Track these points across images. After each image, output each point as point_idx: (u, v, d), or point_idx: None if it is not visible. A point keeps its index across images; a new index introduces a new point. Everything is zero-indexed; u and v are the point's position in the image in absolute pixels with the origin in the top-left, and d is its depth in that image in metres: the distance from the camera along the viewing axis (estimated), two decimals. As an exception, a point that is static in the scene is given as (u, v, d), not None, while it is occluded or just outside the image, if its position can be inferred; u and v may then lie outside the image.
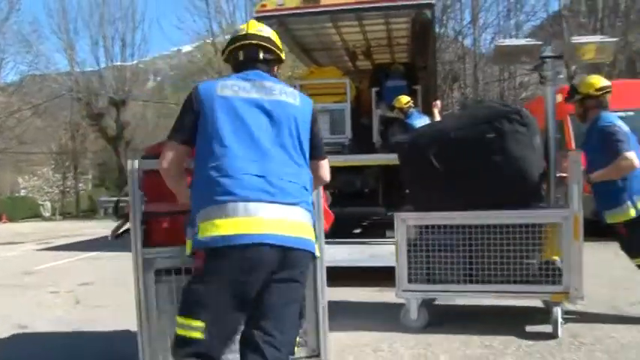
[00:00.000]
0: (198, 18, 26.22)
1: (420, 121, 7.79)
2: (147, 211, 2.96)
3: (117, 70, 27.01)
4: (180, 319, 2.29)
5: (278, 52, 2.67)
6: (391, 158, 7.87)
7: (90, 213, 32.01)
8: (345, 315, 4.66)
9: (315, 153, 2.60)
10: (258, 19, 9.23)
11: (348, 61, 11.80)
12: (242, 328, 2.35)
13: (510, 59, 8.03)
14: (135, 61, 27.65)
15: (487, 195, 4.34)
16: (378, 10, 9.04)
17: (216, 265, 2.24)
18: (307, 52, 11.60)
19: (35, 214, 35.44)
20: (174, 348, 2.31)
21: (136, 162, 2.76)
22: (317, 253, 2.46)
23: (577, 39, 5.35)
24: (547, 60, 5.19)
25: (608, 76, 20.83)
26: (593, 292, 5.17)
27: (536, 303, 4.91)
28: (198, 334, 2.23)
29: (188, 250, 2.39)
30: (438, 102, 8.50)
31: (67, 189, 37.81)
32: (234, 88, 2.43)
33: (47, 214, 35.56)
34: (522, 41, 5.62)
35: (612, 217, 4.61)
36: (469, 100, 24.22)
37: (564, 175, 4.59)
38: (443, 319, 4.75)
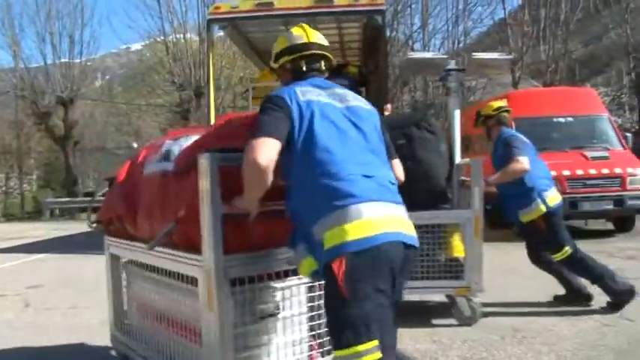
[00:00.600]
0: (150, 17, 25.82)
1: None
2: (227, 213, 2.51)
3: (65, 67, 26.30)
4: (346, 352, 2.07)
5: (333, 60, 2.63)
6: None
7: (35, 215, 31.02)
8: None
9: (390, 153, 2.56)
10: (212, 20, 9.30)
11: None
12: None
13: (418, 70, 8.48)
14: (83, 59, 26.98)
15: None
16: (331, 15, 9.23)
17: (359, 271, 2.09)
18: (261, 54, 11.67)
19: (-24, 216, 34.15)
20: None
21: (212, 156, 2.42)
22: None
23: (477, 55, 5.89)
24: (452, 73, 5.74)
25: (550, 83, 21.74)
26: (529, 288, 5.49)
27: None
28: (378, 355, 2.08)
29: (307, 270, 2.28)
30: (389, 105, 8.68)
31: (11, 190, 36.56)
32: (313, 95, 2.32)
33: (-11, 216, 34.32)
34: (430, 54, 6.06)
35: (527, 216, 5.06)
36: (419, 103, 24.74)
37: (467, 179, 4.97)
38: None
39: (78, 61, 26.64)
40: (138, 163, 3.39)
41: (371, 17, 9.04)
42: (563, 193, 10.10)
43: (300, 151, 2.23)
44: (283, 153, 2.23)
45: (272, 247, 2.67)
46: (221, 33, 10.83)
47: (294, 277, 2.72)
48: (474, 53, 7.05)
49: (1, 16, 26.09)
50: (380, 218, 2.13)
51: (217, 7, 9.47)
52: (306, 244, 2.25)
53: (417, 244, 2.28)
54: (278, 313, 2.71)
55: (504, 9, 23.96)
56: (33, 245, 12.98)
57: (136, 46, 45.57)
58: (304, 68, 2.49)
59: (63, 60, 26.59)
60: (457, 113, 5.84)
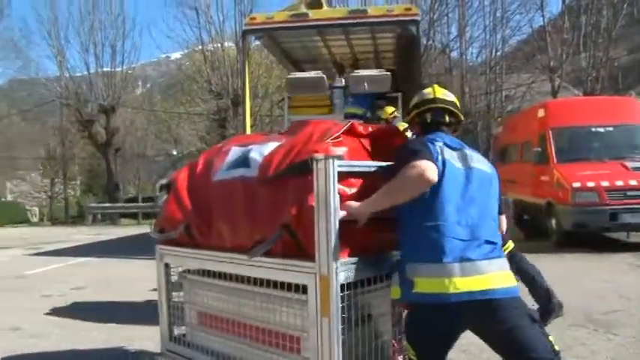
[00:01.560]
0: (188, 27, 26.33)
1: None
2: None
3: (107, 76, 27.02)
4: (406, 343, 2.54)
5: (461, 115, 2.85)
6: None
7: (78, 219, 31.87)
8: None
9: (500, 210, 2.83)
10: (248, 31, 9.43)
11: (336, 73, 12.03)
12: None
13: (301, 90, 8.66)
14: (125, 68, 27.66)
15: None
16: (365, 26, 9.25)
17: (424, 318, 2.42)
18: (295, 64, 11.77)
19: (22, 220, 35.22)
20: None
21: (332, 160, 2.43)
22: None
23: (355, 72, 6.06)
24: (335, 90, 5.80)
25: (591, 92, 21.30)
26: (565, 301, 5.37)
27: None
28: None
29: (393, 295, 2.51)
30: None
31: (55, 194, 37.66)
32: (447, 154, 2.53)
33: (35, 220, 35.36)
34: (312, 74, 6.17)
35: None
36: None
37: None
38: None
39: (119, 70, 27.36)
40: (201, 169, 3.34)
41: (405, 27, 9.03)
42: (602, 204, 9.98)
43: (423, 196, 2.43)
44: None
45: (373, 253, 2.72)
46: (257, 42, 10.98)
47: (383, 284, 2.76)
48: (355, 71, 7.47)
49: (48, 28, 27.04)
50: (463, 278, 2.33)
51: (253, 18, 9.61)
52: (400, 275, 2.48)
53: (507, 294, 2.40)
54: (370, 319, 2.78)
55: (543, 16, 23.53)
56: (76, 249, 13.37)
57: (176, 55, 46.47)
58: (429, 120, 2.76)
59: (105, 69, 27.36)
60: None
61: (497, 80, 24.95)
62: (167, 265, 3.56)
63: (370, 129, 3.03)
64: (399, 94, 9.34)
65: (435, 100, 2.77)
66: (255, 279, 2.87)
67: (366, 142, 2.97)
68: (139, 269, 8.92)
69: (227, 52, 25.25)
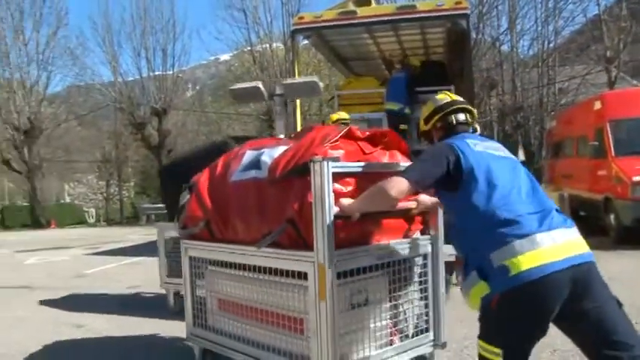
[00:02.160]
0: (237, 29, 26.73)
1: None
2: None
3: (158, 80, 27.73)
4: (488, 347, 2.47)
5: (475, 113, 3.05)
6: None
7: (133, 219, 32.82)
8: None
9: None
10: (296, 31, 9.54)
11: (385, 69, 12.01)
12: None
13: (244, 99, 8.79)
14: (175, 71, 28.32)
15: None
16: (414, 21, 9.21)
17: (521, 301, 2.36)
18: (344, 62, 11.82)
19: (80, 221, 36.50)
20: None
21: (328, 162, 2.77)
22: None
23: (286, 80, 6.22)
24: (275, 97, 5.93)
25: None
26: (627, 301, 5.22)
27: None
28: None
29: (484, 291, 2.45)
30: (474, 110, 8.47)
31: (111, 196, 38.89)
32: (480, 147, 2.69)
33: (92, 221, 36.59)
34: (252, 84, 6.51)
35: None
36: (507, 106, 24.00)
37: None
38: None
39: (170, 73, 28.02)
40: (219, 171, 3.72)
41: (455, 22, 8.96)
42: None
43: (476, 193, 2.54)
44: (451, 194, 2.66)
45: (367, 244, 3.06)
46: (306, 41, 11.07)
47: (378, 272, 3.09)
48: (284, 80, 7.98)
49: (102, 36, 27.97)
50: (557, 245, 2.38)
51: (301, 17, 9.70)
52: (479, 272, 2.47)
53: (585, 259, 2.41)
54: (367, 303, 3.07)
55: (598, 5, 22.67)
56: (131, 248, 13.81)
57: (224, 57, 47.08)
58: (454, 122, 2.92)
59: (157, 73, 28.08)
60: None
61: (549, 73, 24.34)
62: (191, 258, 3.91)
63: (367, 133, 3.34)
64: (452, 87, 9.28)
65: (453, 102, 2.96)
66: (264, 268, 3.27)
67: (363, 144, 3.27)
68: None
69: (275, 52, 25.52)
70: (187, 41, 54.53)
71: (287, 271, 3.06)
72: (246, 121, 31.45)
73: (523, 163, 3.08)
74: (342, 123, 4.65)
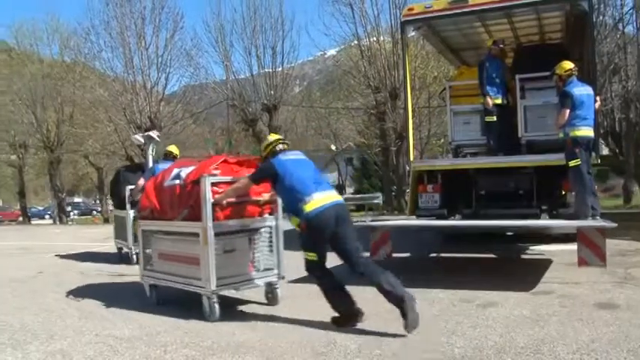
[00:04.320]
0: (345, 23, 26.95)
1: (580, 89, 7.62)
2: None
3: (268, 77, 28.67)
4: (304, 253, 5.03)
5: (288, 143, 5.56)
6: (544, 159, 8.06)
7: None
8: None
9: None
10: (406, 22, 9.61)
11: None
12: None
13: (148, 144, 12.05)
14: (285, 67, 29.11)
15: None
16: (529, 6, 9.00)
17: (312, 228, 4.87)
18: (455, 52, 11.76)
19: (196, 217, 38.45)
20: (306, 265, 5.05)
21: (209, 178, 5.59)
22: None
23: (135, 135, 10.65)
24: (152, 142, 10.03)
25: None
26: None
27: None
28: (314, 257, 4.98)
29: (297, 221, 4.94)
30: (598, 97, 8.13)
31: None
32: (287, 157, 5.27)
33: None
34: (141, 135, 9.79)
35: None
36: (631, 93, 22.44)
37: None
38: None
39: (279, 70, 28.88)
40: (159, 180, 6.38)
41: (575, 3, 8.62)
42: None
43: (285, 182, 5.06)
44: (275, 185, 5.30)
45: (237, 219, 5.78)
46: (413, 33, 11.11)
47: (243, 234, 5.84)
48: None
49: (215, 36, 29.40)
50: (324, 195, 4.95)
51: (411, 9, 9.78)
52: (293, 214, 4.99)
53: (342, 202, 5.08)
54: (234, 250, 5.74)
55: None
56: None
57: (331, 52, 47.73)
58: (276, 149, 5.37)
59: (266, 70, 29.05)
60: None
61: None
62: (143, 231, 6.60)
63: (235, 160, 6.08)
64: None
65: (277, 140, 5.43)
66: (180, 232, 5.97)
67: (234, 165, 5.95)
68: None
69: (383, 45, 25.60)
70: (295, 38, 55.60)
71: (191, 233, 5.67)
72: (355, 115, 31.76)
73: None
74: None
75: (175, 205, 5.92)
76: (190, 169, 5.95)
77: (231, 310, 5.79)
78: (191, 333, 5.03)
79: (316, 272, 5.00)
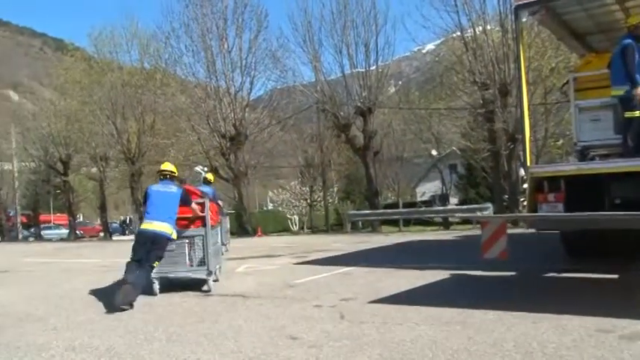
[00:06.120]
0: (446, 13, 26.22)
1: None
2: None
3: (361, 77, 28.47)
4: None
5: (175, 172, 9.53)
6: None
7: (337, 227, 34.18)
8: None
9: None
10: (521, 6, 9.07)
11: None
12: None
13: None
14: (380, 66, 28.81)
15: None
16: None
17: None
18: (581, 37, 11.01)
19: (284, 228, 39.02)
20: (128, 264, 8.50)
21: (193, 202, 9.49)
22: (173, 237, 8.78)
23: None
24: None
25: None
26: None
27: None
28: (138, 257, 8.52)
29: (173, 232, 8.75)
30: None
31: (314, 202, 40.91)
32: (157, 187, 9.09)
33: (295, 228, 38.90)
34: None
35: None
36: None
37: None
38: None
39: (373, 69, 28.62)
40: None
41: None
42: None
43: (147, 206, 9.05)
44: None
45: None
46: (528, 18, 10.49)
47: (184, 240, 9.28)
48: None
49: (302, 35, 29.54)
50: (150, 223, 8.69)
51: (525, -8, 9.22)
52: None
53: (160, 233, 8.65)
54: (176, 250, 9.24)
55: None
56: (340, 257, 14.29)
57: (429, 47, 47.04)
58: (160, 178, 9.39)
59: (359, 70, 28.87)
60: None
61: None
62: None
63: (196, 190, 10.36)
64: None
65: (164, 170, 9.38)
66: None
67: (197, 192, 10.25)
68: (409, 280, 9.15)
69: (490, 35, 24.71)
70: (390, 33, 55.18)
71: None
72: (458, 116, 30.88)
73: None
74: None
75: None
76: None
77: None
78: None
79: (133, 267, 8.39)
